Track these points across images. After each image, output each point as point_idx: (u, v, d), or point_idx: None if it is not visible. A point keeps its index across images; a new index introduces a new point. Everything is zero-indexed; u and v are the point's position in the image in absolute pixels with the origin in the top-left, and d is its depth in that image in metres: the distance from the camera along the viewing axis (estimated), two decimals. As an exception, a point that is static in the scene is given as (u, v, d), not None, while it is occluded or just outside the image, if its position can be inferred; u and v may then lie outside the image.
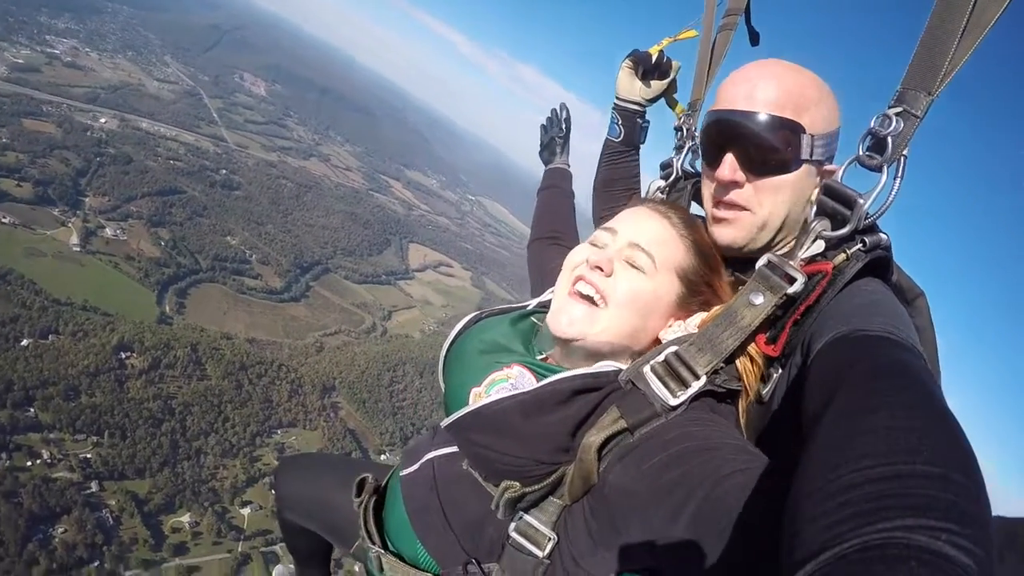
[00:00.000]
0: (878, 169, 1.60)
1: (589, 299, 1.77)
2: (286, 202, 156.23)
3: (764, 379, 1.75)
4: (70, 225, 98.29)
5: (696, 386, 1.54)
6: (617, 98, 3.01)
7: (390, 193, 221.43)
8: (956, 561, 0.67)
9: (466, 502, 1.86)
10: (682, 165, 2.61)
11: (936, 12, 1.51)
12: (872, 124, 1.60)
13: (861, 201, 1.59)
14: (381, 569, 2.14)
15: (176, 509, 66.21)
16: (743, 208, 1.91)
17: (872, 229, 1.67)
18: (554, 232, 2.95)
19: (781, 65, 1.90)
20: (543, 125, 3.42)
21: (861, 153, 1.63)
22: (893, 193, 1.60)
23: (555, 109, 3.39)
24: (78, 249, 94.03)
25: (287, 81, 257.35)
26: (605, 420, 1.54)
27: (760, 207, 1.90)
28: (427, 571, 2.01)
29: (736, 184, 1.89)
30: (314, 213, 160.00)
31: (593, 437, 1.51)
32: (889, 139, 1.56)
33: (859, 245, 1.65)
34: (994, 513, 0.83)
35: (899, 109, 1.56)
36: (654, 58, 2.86)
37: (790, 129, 1.81)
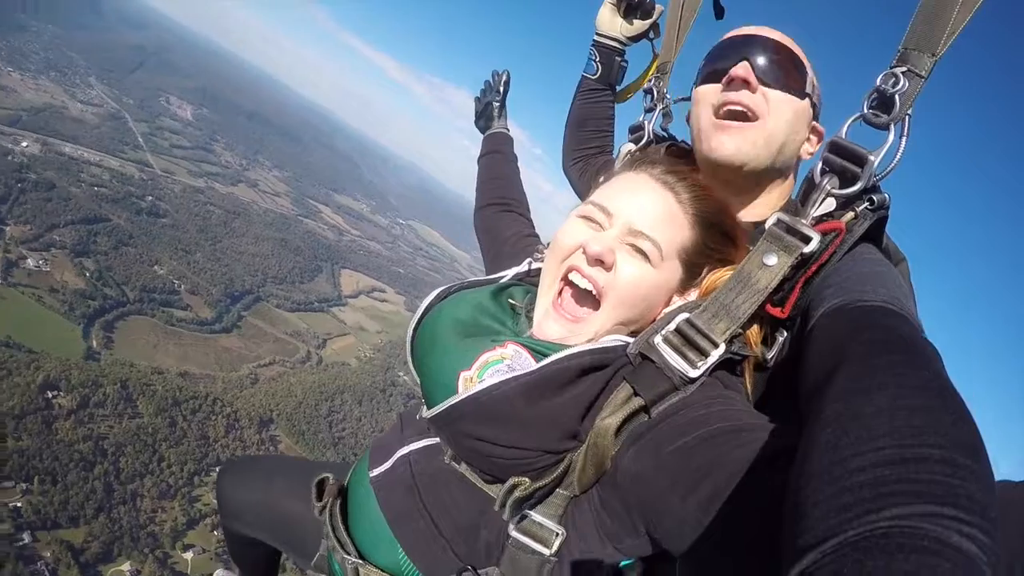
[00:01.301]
0: (884, 127, 1.58)
1: (586, 293, 1.65)
2: (214, 229, 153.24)
3: (768, 343, 1.69)
4: None
5: (716, 354, 1.45)
6: (597, 33, 2.93)
7: (320, 219, 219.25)
8: (963, 549, 0.66)
9: (455, 503, 1.69)
10: (654, 128, 2.55)
11: None
12: (878, 82, 1.58)
13: (872, 158, 1.56)
14: None
15: (115, 557, 63.82)
16: (750, 116, 1.86)
17: (876, 188, 1.64)
18: (503, 198, 2.82)
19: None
20: (477, 97, 3.34)
21: (866, 110, 1.61)
22: (900, 152, 1.58)
23: (492, 75, 3.29)
24: None
25: (214, 105, 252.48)
26: (617, 398, 1.43)
27: (768, 116, 1.86)
28: None
29: (748, 85, 1.85)
30: (243, 240, 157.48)
31: (609, 419, 1.40)
32: (897, 97, 1.54)
33: (866, 204, 1.62)
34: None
35: (904, 68, 1.55)
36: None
37: (800, 60, 1.90)
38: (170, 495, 73.87)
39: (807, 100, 1.91)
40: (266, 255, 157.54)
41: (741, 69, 1.85)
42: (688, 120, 2.18)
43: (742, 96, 1.86)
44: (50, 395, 72.63)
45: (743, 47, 1.91)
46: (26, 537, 58.68)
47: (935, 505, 0.71)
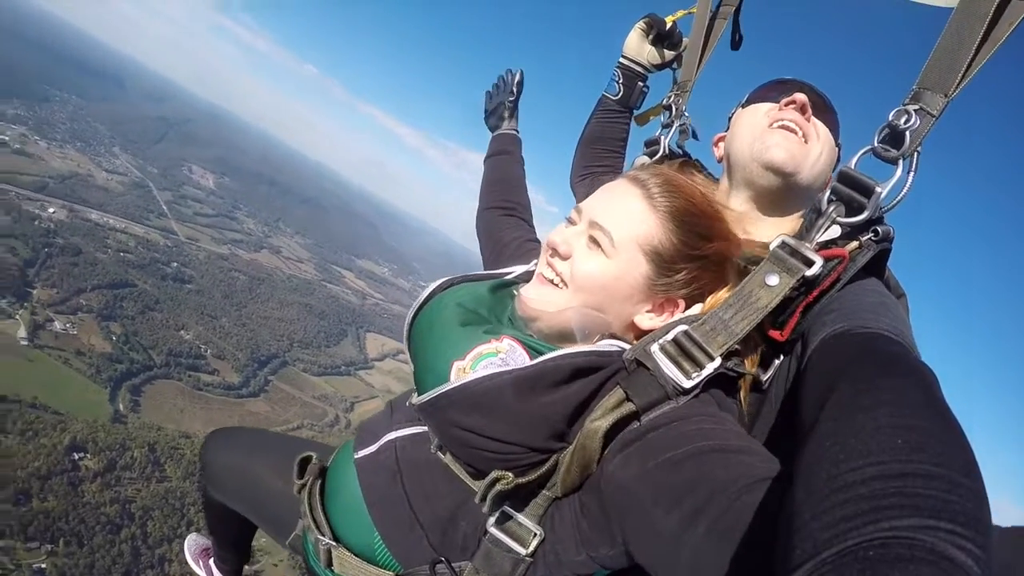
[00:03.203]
0: (893, 162, 1.60)
1: (551, 283, 1.67)
2: (239, 295, 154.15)
3: (764, 365, 1.72)
4: (17, 318, 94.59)
5: (711, 368, 1.44)
6: (623, 56, 2.95)
7: (343, 283, 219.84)
8: (959, 563, 0.67)
9: (437, 493, 1.70)
10: (669, 143, 2.60)
11: (956, 17, 1.55)
12: (890, 117, 1.60)
13: (879, 189, 1.58)
14: (330, 564, 1.93)
15: (143, 623, 60.63)
16: (801, 135, 1.93)
17: (881, 220, 1.68)
18: (508, 202, 2.77)
19: None
20: (488, 92, 3.27)
21: (876, 144, 1.63)
22: (907, 187, 1.59)
23: (505, 73, 3.21)
24: (26, 343, 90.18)
25: (235, 174, 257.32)
26: (608, 402, 1.43)
27: (815, 143, 1.94)
28: (385, 568, 1.84)
29: (804, 111, 1.94)
30: (268, 306, 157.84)
31: (599, 422, 1.39)
32: (907, 133, 1.56)
33: (871, 235, 1.66)
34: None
35: (916, 106, 1.56)
36: (668, 26, 2.85)
37: (836, 115, 2.05)
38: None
39: (838, 150, 2.04)
40: (291, 320, 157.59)
41: (803, 95, 1.95)
42: (716, 143, 2.31)
43: (796, 118, 1.94)
44: (76, 457, 70.88)
45: (799, 86, 2.03)
46: (51, 600, 55.97)
47: (933, 519, 0.72)
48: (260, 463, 2.53)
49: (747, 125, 2.04)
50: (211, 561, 3.52)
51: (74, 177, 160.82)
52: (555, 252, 1.65)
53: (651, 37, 2.84)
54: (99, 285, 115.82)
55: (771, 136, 1.93)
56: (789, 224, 1.98)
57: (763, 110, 2.03)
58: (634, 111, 3.02)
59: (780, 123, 1.94)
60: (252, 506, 2.58)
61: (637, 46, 2.88)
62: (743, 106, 2.14)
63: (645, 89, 2.96)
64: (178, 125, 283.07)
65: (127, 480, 73.50)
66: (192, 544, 3.65)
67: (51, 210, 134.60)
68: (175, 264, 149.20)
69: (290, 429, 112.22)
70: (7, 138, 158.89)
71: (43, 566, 58.91)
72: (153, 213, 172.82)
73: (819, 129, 1.95)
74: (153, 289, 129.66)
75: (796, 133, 1.92)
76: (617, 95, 2.95)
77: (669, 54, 2.88)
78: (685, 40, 2.84)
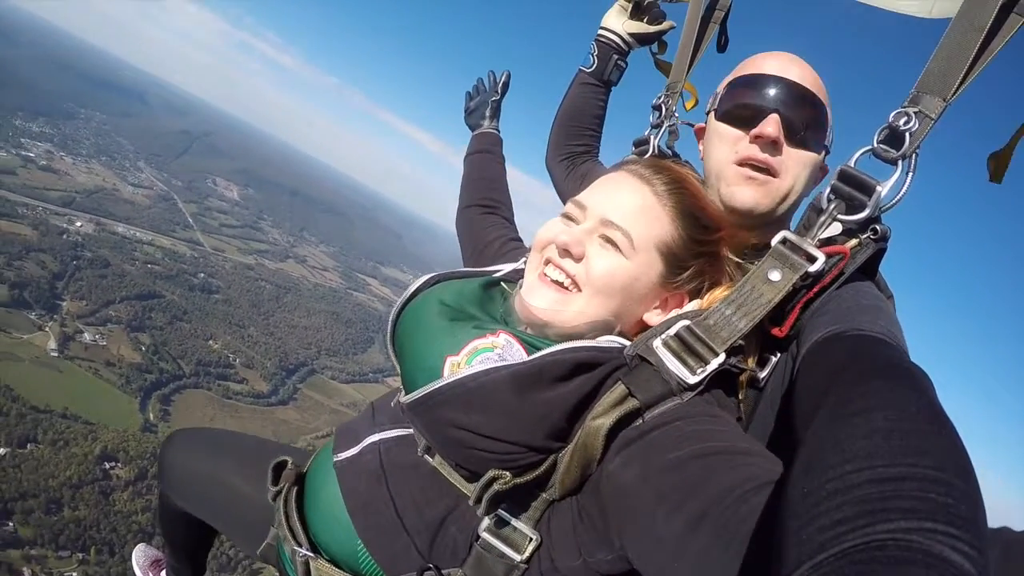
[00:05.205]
0: (893, 163, 1.61)
1: (559, 284, 1.62)
2: (266, 304, 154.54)
3: (761, 363, 1.70)
4: (47, 329, 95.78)
5: (715, 363, 1.41)
6: (600, 27, 2.95)
7: (368, 291, 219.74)
8: (957, 565, 0.67)
9: (425, 498, 1.63)
10: (659, 144, 2.57)
11: (955, 27, 1.57)
12: (890, 118, 1.61)
13: (880, 188, 1.59)
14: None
15: (177, 631, 59.90)
16: (773, 173, 1.88)
17: (878, 220, 1.67)
18: (489, 200, 2.76)
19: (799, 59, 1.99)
20: (468, 92, 3.29)
21: (876, 144, 1.64)
22: (905, 187, 1.61)
23: (489, 74, 3.22)
24: (56, 354, 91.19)
25: (259, 185, 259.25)
26: (609, 398, 1.39)
27: (787, 176, 1.88)
28: None
29: (776, 145, 1.86)
30: (295, 314, 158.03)
31: (601, 419, 1.36)
32: (907, 135, 1.57)
33: (869, 233, 1.65)
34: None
35: (915, 109, 1.58)
36: (646, 1, 2.85)
37: (823, 112, 1.92)
38: (231, 567, 70.31)
39: (823, 152, 1.97)
40: (318, 328, 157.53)
41: (772, 128, 1.84)
42: (698, 140, 2.25)
43: (766, 156, 1.87)
44: (107, 466, 71.39)
45: (778, 93, 1.89)
46: (83, 608, 56.10)
47: (930, 521, 0.71)
48: (227, 466, 2.41)
49: (716, 150, 1.98)
50: (162, 573, 3.34)
51: (100, 191, 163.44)
52: (566, 252, 1.59)
53: (629, 9, 2.83)
54: (127, 296, 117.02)
55: (735, 183, 1.89)
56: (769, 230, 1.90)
57: (731, 139, 1.94)
58: (612, 85, 2.96)
59: (748, 161, 1.87)
60: (218, 513, 2.47)
61: (614, 18, 2.86)
62: (717, 111, 2.03)
63: (621, 63, 2.91)
64: (201, 138, 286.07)
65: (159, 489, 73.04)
66: (141, 556, 3.47)
67: (78, 224, 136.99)
68: (202, 275, 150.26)
69: (320, 436, 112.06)
70: (33, 155, 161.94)
71: (75, 574, 59.16)
72: (179, 225, 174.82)
73: (792, 158, 1.87)
74: (181, 300, 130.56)
75: (767, 171, 1.86)
76: (591, 67, 2.90)
77: (650, 29, 2.84)
78: (669, 22, 2.85)
